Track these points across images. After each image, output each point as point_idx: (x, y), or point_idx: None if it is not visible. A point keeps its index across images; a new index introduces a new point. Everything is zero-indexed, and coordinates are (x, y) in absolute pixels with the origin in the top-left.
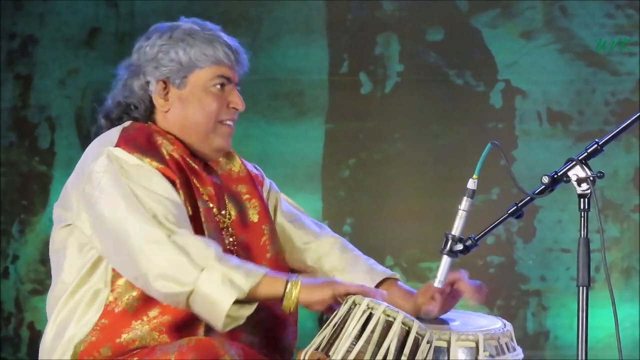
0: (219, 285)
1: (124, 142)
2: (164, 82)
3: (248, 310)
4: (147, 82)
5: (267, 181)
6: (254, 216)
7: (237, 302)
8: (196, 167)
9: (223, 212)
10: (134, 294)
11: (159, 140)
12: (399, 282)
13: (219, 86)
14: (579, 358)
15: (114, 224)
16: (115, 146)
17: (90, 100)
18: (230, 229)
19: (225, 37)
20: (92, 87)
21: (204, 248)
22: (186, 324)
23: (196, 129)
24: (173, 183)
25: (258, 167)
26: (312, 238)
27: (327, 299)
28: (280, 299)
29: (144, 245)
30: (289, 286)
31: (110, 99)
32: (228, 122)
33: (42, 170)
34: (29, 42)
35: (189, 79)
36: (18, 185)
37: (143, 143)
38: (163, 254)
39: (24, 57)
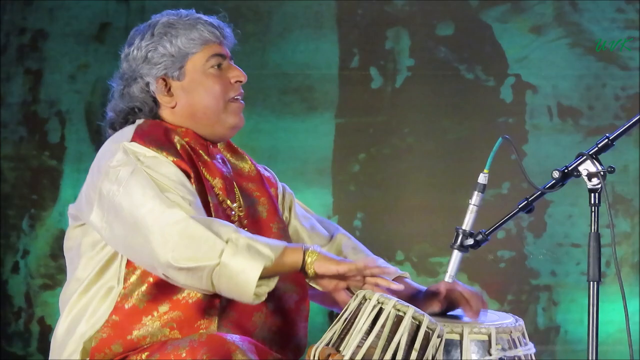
0: (246, 255)
1: (139, 137)
2: (164, 80)
3: (269, 286)
4: (147, 84)
5: (280, 184)
6: (263, 213)
7: (260, 277)
8: (207, 159)
9: (235, 204)
10: (143, 288)
11: (172, 134)
12: (407, 280)
13: (216, 66)
14: (590, 353)
15: (132, 213)
16: (131, 141)
17: (100, 95)
18: (243, 221)
19: (204, 16)
20: (102, 82)
21: (224, 224)
22: (197, 320)
23: (206, 113)
24: (188, 177)
25: (269, 169)
26: (324, 242)
27: (341, 272)
28: (300, 269)
29: (165, 227)
30: (307, 255)
31: (111, 111)
32: (237, 97)
33: (52, 165)
34: (39, 37)
35: (185, 68)
36: (28, 180)
37: (158, 137)
38: (185, 230)
39: (34, 52)
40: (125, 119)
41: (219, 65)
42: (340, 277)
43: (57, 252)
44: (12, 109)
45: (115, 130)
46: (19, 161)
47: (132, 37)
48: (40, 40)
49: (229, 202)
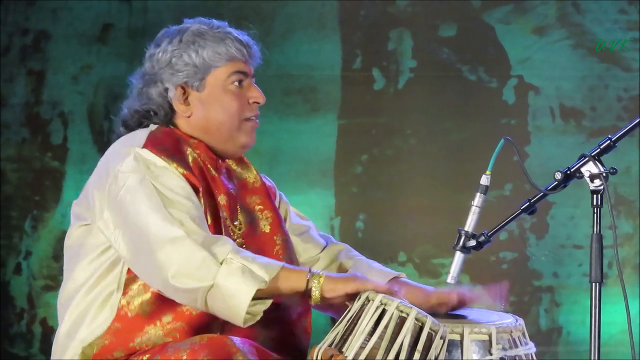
0: (239, 277)
1: (152, 144)
2: (183, 88)
3: (265, 304)
4: (166, 89)
5: (278, 193)
6: (265, 227)
7: (255, 297)
8: (215, 174)
9: (235, 222)
10: (147, 297)
11: (184, 145)
12: (404, 279)
13: (237, 83)
14: (592, 354)
15: (136, 223)
16: (143, 147)
17: (103, 96)
18: (240, 239)
19: (235, 32)
20: (104, 83)
21: (222, 244)
22: (200, 331)
23: (220, 129)
24: (196, 190)
25: (269, 179)
26: (318, 250)
27: (350, 294)
28: (303, 293)
29: (163, 243)
30: (311, 281)
31: (127, 108)
32: (252, 118)
33: (55, 166)
34: (42, 38)
35: (206, 80)
36: (30, 181)
37: (170, 147)
38: (182, 250)
39: (36, 53)
40: (140, 121)
41: (239, 82)
42: (348, 296)
43: (59, 254)
44: (14, 110)
45: (127, 128)
46: (22, 162)
47: (160, 38)
48: (42, 41)
49: (228, 221)
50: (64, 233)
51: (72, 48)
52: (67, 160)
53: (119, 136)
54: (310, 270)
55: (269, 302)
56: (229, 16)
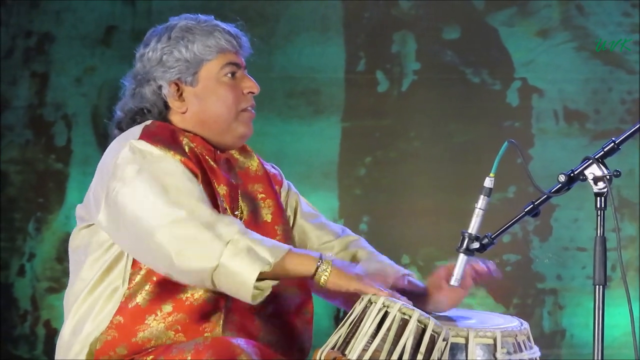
0: (244, 258)
1: (147, 136)
2: (176, 84)
3: (273, 281)
4: (160, 87)
5: (286, 182)
6: (267, 216)
7: (260, 278)
8: (214, 165)
9: (236, 212)
10: (147, 287)
11: (180, 136)
12: (410, 279)
13: (230, 75)
14: (596, 356)
15: (135, 211)
16: (139, 139)
17: (107, 98)
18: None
19: (222, 24)
20: (108, 85)
21: (228, 223)
22: (202, 323)
23: (217, 121)
24: (195, 176)
25: (276, 167)
26: (332, 237)
27: (351, 291)
28: (310, 278)
29: (166, 227)
30: (320, 268)
31: (120, 110)
32: (249, 108)
33: (58, 168)
34: (46, 40)
35: (199, 74)
36: (34, 183)
37: (165, 138)
38: (187, 231)
39: (40, 55)
40: (133, 119)
41: (232, 74)
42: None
43: (63, 255)
44: (18, 112)
45: (121, 130)
46: (25, 164)
47: (148, 37)
48: (46, 43)
49: (229, 211)
50: (68, 235)
51: (76, 50)
52: (71, 162)
53: (113, 138)
54: (321, 257)
55: (274, 281)
56: (232, 18)
